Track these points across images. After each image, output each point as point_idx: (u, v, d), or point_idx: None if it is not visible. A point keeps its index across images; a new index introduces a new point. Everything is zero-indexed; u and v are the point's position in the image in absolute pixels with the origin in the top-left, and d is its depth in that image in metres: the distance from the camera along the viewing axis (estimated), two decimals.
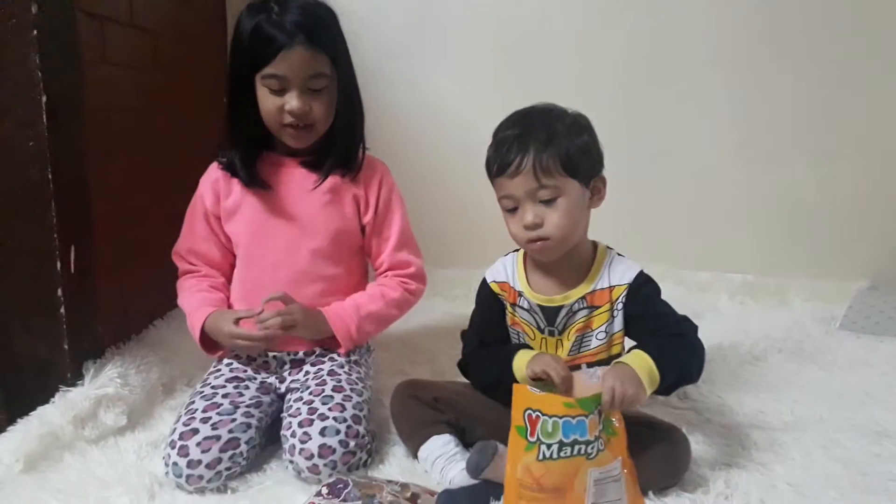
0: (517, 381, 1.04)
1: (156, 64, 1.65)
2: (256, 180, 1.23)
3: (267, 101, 1.16)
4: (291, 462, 1.07)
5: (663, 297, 1.11)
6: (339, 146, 1.23)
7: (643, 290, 1.09)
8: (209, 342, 1.23)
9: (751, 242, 2.08)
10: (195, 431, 1.07)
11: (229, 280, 1.32)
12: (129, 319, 1.54)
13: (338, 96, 1.19)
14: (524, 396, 0.93)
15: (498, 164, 1.05)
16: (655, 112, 2.06)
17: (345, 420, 1.08)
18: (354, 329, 1.23)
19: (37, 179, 1.20)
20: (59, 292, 1.24)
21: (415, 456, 1.11)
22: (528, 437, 0.91)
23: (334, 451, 1.05)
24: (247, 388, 1.18)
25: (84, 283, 1.30)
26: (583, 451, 0.91)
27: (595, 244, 1.14)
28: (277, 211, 1.24)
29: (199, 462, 1.04)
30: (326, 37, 1.15)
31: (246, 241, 1.27)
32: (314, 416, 1.08)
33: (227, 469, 1.06)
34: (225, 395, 1.15)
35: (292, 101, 1.14)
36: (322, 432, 1.06)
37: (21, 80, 1.17)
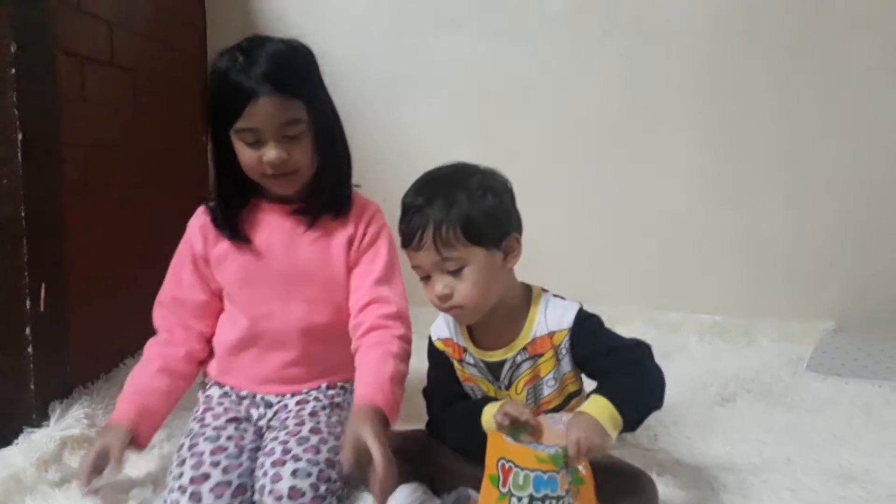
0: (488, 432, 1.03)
1: (135, 102, 1.66)
2: (238, 235, 1.20)
3: (244, 155, 1.12)
4: (261, 502, 1.06)
5: (631, 336, 1.08)
6: (327, 187, 1.20)
7: (585, 328, 1.06)
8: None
9: (720, 283, 2.12)
10: (206, 476, 1.04)
11: (214, 324, 1.27)
12: (98, 358, 1.53)
13: (318, 138, 1.15)
14: (499, 445, 0.93)
15: (403, 236, 1.04)
16: (627, 154, 2.10)
17: (318, 463, 1.06)
18: (391, 396, 1.10)
19: (9, 216, 1.20)
20: (28, 331, 1.23)
21: None
22: (500, 488, 0.91)
23: (304, 493, 1.03)
24: (246, 430, 1.16)
25: (54, 321, 1.29)
26: None
27: (529, 288, 1.12)
28: (267, 259, 1.21)
29: None
30: (296, 81, 1.11)
31: (236, 290, 1.23)
32: (287, 457, 1.07)
33: None
34: (229, 438, 1.12)
35: (269, 152, 1.10)
36: (294, 474, 1.04)
37: None
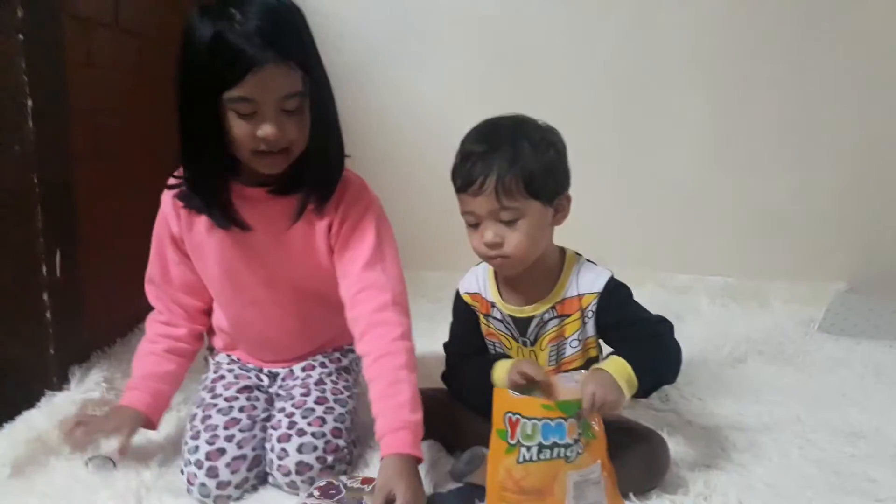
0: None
1: (141, 66, 1.65)
2: (235, 220, 1.09)
3: (236, 127, 0.98)
4: (270, 475, 1.08)
5: (644, 299, 1.12)
6: (314, 170, 1.07)
7: (614, 296, 1.09)
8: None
9: (731, 246, 2.11)
10: (222, 451, 1.05)
11: (208, 296, 1.23)
12: (114, 323, 1.54)
13: (312, 113, 1.03)
14: (504, 399, 0.95)
15: (461, 181, 1.03)
16: (636, 119, 2.09)
17: (323, 435, 1.07)
18: (414, 434, 1.01)
19: (22, 184, 1.20)
20: (45, 297, 1.24)
21: None
22: (509, 440, 0.93)
23: (311, 467, 1.05)
24: (258, 399, 1.17)
25: (70, 287, 1.30)
26: (562, 454, 0.92)
27: (563, 252, 1.14)
28: (250, 246, 1.12)
29: (229, 483, 1.04)
30: (298, 47, 0.99)
31: (218, 279, 1.16)
32: (292, 431, 1.07)
33: (252, 486, 1.07)
34: (241, 409, 1.13)
35: (266, 127, 0.98)
36: (299, 449, 1.05)
37: (7, 85, 1.17)
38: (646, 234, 2.12)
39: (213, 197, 1.08)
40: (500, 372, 1.06)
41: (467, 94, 2.08)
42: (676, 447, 1.17)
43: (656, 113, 2.07)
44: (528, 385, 0.99)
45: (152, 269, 1.21)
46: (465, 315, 1.18)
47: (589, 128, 2.07)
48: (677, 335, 1.09)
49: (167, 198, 1.15)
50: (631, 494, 1.01)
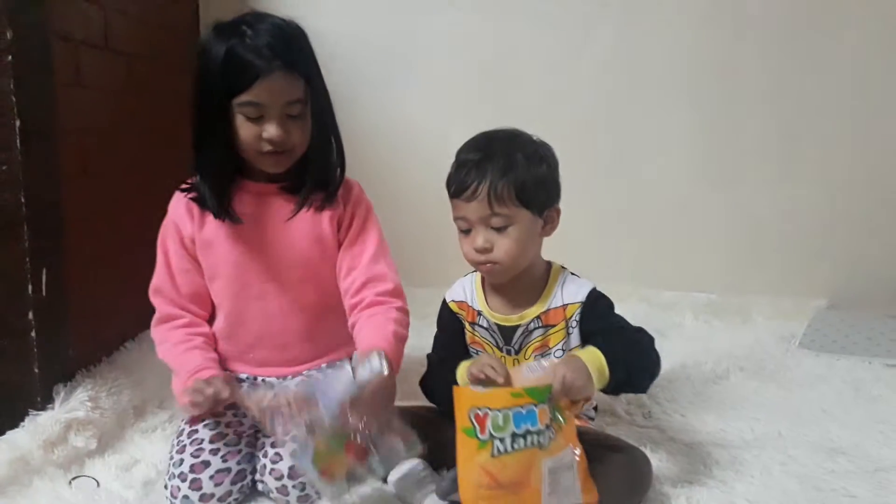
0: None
1: (129, 86, 1.66)
2: (227, 212, 1.18)
3: (244, 129, 1.11)
4: (261, 482, 1.08)
5: (627, 315, 1.14)
6: (316, 168, 1.19)
7: (597, 306, 1.12)
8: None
9: (715, 262, 2.14)
10: (206, 464, 1.06)
11: (211, 307, 1.26)
12: (99, 342, 1.54)
13: (313, 118, 1.16)
14: (467, 397, 0.94)
15: (455, 186, 1.09)
16: (622, 134, 2.12)
17: None
18: (393, 345, 1.12)
19: (9, 203, 1.21)
20: (31, 316, 1.24)
21: (384, 480, 1.11)
22: (479, 436, 0.91)
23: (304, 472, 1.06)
24: (244, 415, 1.17)
25: (55, 306, 1.30)
26: (535, 442, 0.92)
27: (549, 264, 1.18)
28: (257, 240, 1.20)
29: (212, 496, 1.04)
30: (302, 60, 1.12)
31: (226, 272, 1.22)
32: (286, 437, 1.08)
33: (235, 501, 1.07)
34: (228, 425, 1.14)
35: (271, 129, 1.10)
36: (293, 454, 1.06)
37: None
38: (629, 251, 2.15)
39: (214, 191, 1.17)
40: (462, 371, 1.08)
41: (453, 110, 2.11)
42: (659, 463, 1.18)
43: (641, 130, 2.11)
44: (487, 379, 0.99)
45: (159, 280, 1.23)
46: (449, 323, 1.21)
47: (573, 144, 2.08)
48: (659, 351, 1.11)
49: (179, 201, 1.23)
50: None
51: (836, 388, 1.54)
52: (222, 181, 1.19)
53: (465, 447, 0.93)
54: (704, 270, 2.14)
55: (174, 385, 1.20)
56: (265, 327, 1.23)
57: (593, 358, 1.00)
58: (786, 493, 1.11)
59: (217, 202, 1.18)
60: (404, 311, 1.20)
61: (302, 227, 1.21)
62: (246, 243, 1.21)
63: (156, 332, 1.22)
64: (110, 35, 1.56)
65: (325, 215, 1.22)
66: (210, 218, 1.20)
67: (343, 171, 1.24)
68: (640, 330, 1.12)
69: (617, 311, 1.15)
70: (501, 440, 0.91)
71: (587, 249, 2.07)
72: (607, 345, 1.03)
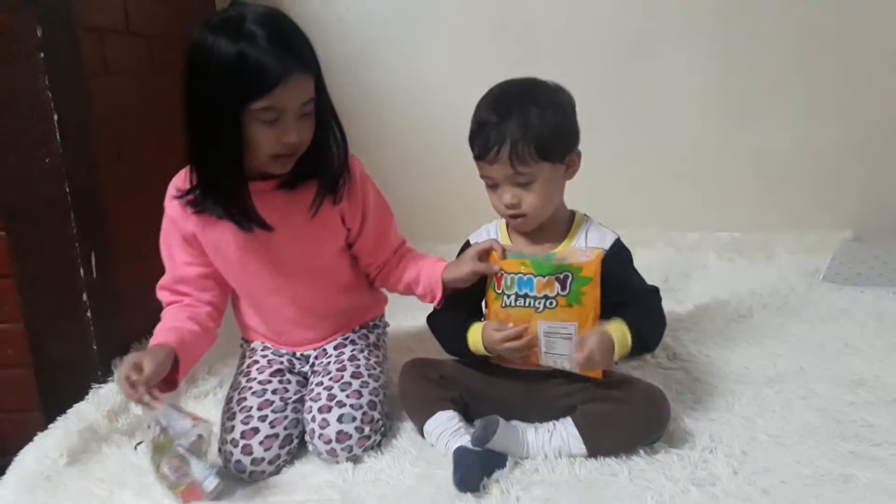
0: (472, 353, 1.18)
1: (153, 67, 1.70)
2: (257, 221, 1.14)
3: (260, 135, 1.06)
4: (311, 444, 1.16)
5: (652, 259, 1.20)
6: (317, 163, 1.15)
7: (619, 257, 1.17)
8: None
9: (737, 200, 2.14)
10: (256, 430, 1.13)
11: (222, 292, 1.27)
12: (148, 315, 1.61)
13: (319, 114, 1.12)
14: (494, 259, 1.15)
15: (478, 149, 1.13)
16: (640, 78, 2.10)
17: (361, 407, 1.16)
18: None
19: (55, 193, 1.28)
20: (85, 297, 1.32)
21: (421, 431, 1.19)
22: (496, 290, 1.15)
23: (350, 436, 1.13)
24: (289, 382, 1.24)
25: (106, 286, 1.38)
26: (531, 304, 1.11)
27: (573, 212, 1.23)
28: (265, 238, 1.18)
29: (263, 459, 1.12)
30: (311, 56, 1.08)
31: (237, 272, 1.24)
32: (332, 403, 1.16)
33: (284, 462, 1.15)
34: (274, 392, 1.20)
35: (290, 132, 1.06)
36: (339, 419, 1.14)
37: (33, 102, 1.23)
38: (652, 194, 2.15)
39: (235, 202, 1.13)
40: (475, 337, 1.16)
41: (465, 70, 2.08)
42: (685, 404, 1.24)
43: (659, 73, 2.08)
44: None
45: (165, 278, 1.25)
46: None
47: (592, 91, 2.05)
48: (685, 293, 1.17)
49: (174, 204, 1.19)
50: (641, 450, 1.08)
51: (859, 321, 1.56)
52: (241, 191, 1.12)
53: (490, 298, 1.18)
54: (727, 209, 2.13)
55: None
56: (290, 316, 1.29)
57: (621, 338, 1.08)
58: (805, 426, 1.16)
59: (244, 215, 1.14)
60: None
61: (307, 221, 1.19)
62: (253, 242, 1.19)
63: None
64: (130, 19, 1.59)
65: (332, 208, 1.21)
66: (209, 220, 1.18)
67: (346, 158, 1.20)
68: (653, 291, 1.18)
69: (644, 258, 1.22)
70: (508, 296, 1.13)
71: (608, 195, 2.07)
72: (635, 320, 1.11)
